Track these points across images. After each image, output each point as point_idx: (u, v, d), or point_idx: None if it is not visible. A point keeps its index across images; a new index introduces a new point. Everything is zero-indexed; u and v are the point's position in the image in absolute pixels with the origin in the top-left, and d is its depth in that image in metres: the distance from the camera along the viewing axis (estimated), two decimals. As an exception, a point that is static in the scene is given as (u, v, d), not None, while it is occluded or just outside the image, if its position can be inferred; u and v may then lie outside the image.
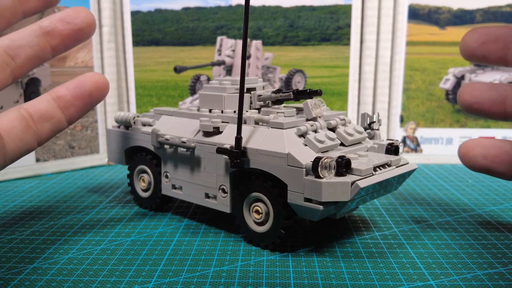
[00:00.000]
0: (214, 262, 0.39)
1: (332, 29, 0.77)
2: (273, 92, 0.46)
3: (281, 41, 0.78)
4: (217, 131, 0.45)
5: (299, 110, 0.46)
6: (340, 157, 0.38)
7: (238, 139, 0.41)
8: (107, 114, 0.77)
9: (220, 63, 0.79)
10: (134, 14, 0.78)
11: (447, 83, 0.77)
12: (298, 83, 0.79)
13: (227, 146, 0.42)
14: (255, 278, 0.36)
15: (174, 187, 0.49)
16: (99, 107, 0.76)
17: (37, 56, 0.40)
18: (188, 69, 0.80)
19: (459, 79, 0.77)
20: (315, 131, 0.42)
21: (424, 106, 0.78)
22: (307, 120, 0.43)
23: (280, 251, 0.42)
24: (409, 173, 0.43)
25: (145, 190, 0.53)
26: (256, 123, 0.44)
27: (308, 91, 0.43)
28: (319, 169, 0.36)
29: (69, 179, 0.67)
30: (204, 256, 0.41)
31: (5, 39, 0.39)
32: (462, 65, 0.77)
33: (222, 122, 0.45)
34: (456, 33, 0.77)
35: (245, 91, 0.47)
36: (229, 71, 0.80)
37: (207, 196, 0.46)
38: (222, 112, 0.47)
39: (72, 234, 0.46)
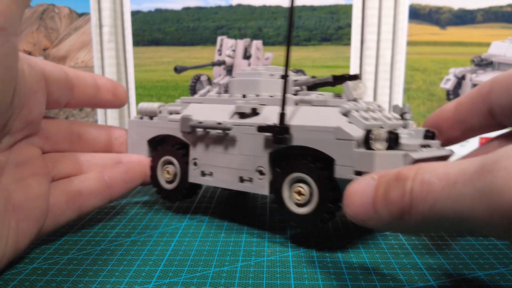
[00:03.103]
0: (215, 263, 0.39)
1: (332, 29, 0.77)
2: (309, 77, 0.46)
3: (281, 41, 0.78)
4: (254, 112, 0.44)
5: (336, 95, 0.46)
6: (389, 131, 0.37)
7: (282, 114, 0.40)
8: (108, 114, 0.77)
9: (221, 63, 0.79)
10: (135, 14, 0.77)
11: (448, 83, 0.77)
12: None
13: (270, 123, 0.41)
14: (255, 278, 0.36)
15: (203, 173, 0.48)
16: (99, 107, 0.76)
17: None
18: (188, 69, 0.80)
19: (460, 79, 0.77)
20: (357, 111, 0.42)
21: (425, 106, 0.78)
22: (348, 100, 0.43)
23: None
24: (446, 157, 0.43)
25: (170, 182, 0.52)
26: (296, 104, 0.43)
27: (346, 75, 0.43)
28: (371, 142, 0.36)
29: (69, 179, 0.67)
30: (204, 257, 0.40)
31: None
32: (463, 65, 0.77)
33: (260, 104, 0.45)
34: (457, 33, 0.77)
35: (279, 77, 0.47)
36: (229, 71, 0.80)
37: (241, 180, 0.45)
38: (257, 96, 0.47)
39: (72, 235, 0.46)
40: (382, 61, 0.76)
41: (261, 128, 0.42)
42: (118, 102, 0.51)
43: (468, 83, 0.76)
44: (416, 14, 0.76)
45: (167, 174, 0.52)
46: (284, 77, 0.40)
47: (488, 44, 0.76)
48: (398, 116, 0.46)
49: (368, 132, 0.36)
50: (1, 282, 0.36)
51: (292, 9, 0.39)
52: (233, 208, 0.55)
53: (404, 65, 0.76)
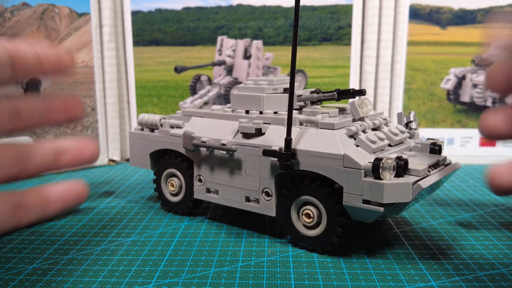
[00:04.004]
0: (215, 263, 0.39)
1: (333, 29, 0.77)
2: (312, 92, 0.45)
3: (281, 41, 0.78)
4: (259, 132, 0.43)
5: (341, 111, 0.45)
6: (398, 158, 0.37)
7: (288, 140, 0.39)
8: (108, 115, 0.77)
9: (221, 63, 0.79)
10: (135, 14, 0.77)
11: (448, 83, 0.77)
12: (299, 83, 0.79)
13: (276, 148, 0.41)
14: (255, 279, 0.36)
15: (208, 190, 0.48)
16: (99, 107, 0.76)
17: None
18: (188, 69, 0.80)
19: (460, 79, 0.77)
20: (364, 131, 0.41)
21: (425, 106, 0.77)
22: (354, 120, 0.42)
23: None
24: (454, 172, 0.43)
25: (174, 195, 0.52)
26: (301, 124, 0.42)
27: (351, 90, 0.42)
28: (380, 171, 0.35)
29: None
30: (204, 257, 0.40)
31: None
32: (464, 65, 0.77)
33: (264, 123, 0.44)
34: (458, 33, 0.77)
35: (282, 91, 0.46)
36: (229, 71, 0.80)
37: (247, 199, 0.45)
38: (260, 113, 0.46)
39: (72, 235, 0.46)
40: (382, 61, 0.76)
41: (266, 152, 0.41)
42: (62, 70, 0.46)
43: (468, 83, 0.76)
44: (416, 14, 0.76)
45: (171, 187, 0.52)
46: (290, 103, 0.39)
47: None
48: (403, 128, 0.45)
49: (377, 162, 0.36)
50: (1, 282, 0.36)
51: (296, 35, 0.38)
52: (233, 208, 0.55)
53: (405, 65, 0.76)
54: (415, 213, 0.52)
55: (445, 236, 0.45)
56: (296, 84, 0.48)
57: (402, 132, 0.44)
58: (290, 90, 0.39)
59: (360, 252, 0.41)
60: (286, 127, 0.40)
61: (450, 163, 0.43)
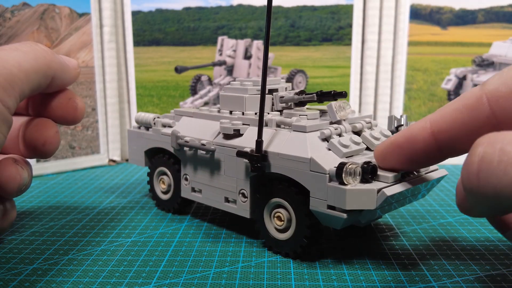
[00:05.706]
0: (215, 264, 0.39)
1: (333, 29, 0.77)
2: (296, 93, 0.44)
3: (282, 41, 0.78)
4: (237, 133, 0.43)
5: (323, 113, 0.44)
6: (365, 162, 0.36)
7: (259, 142, 0.39)
8: (108, 115, 0.77)
9: (221, 63, 0.79)
10: (135, 14, 0.77)
11: (449, 84, 0.77)
12: (300, 84, 0.79)
13: (248, 150, 0.41)
14: (256, 279, 0.36)
15: (193, 190, 0.48)
16: (99, 107, 0.76)
17: None
18: (189, 69, 0.80)
19: (461, 80, 0.77)
20: (340, 135, 0.40)
21: (426, 106, 0.77)
22: (331, 123, 0.41)
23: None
24: (439, 179, 0.41)
25: (165, 192, 0.53)
26: (278, 125, 0.42)
27: (332, 92, 0.42)
28: (343, 176, 0.34)
29: (70, 180, 0.67)
30: (204, 258, 0.40)
31: None
32: (464, 66, 0.77)
33: (243, 124, 0.44)
34: (458, 33, 0.77)
35: (266, 92, 0.46)
36: (230, 71, 0.80)
37: (226, 200, 0.45)
38: (243, 114, 0.46)
39: (72, 235, 0.46)
40: (383, 61, 0.76)
41: (240, 153, 0.41)
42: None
43: (469, 84, 0.76)
44: (417, 14, 0.76)
45: (162, 185, 0.52)
46: (261, 105, 0.39)
47: (489, 44, 0.76)
48: (387, 132, 0.43)
49: (340, 166, 0.35)
50: (1, 282, 0.36)
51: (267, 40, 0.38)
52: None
53: (405, 65, 0.76)
54: (416, 214, 0.52)
55: (445, 236, 0.45)
56: (287, 85, 0.48)
57: (386, 137, 0.43)
58: (261, 91, 0.39)
59: (360, 253, 0.41)
60: (257, 129, 0.40)
61: (434, 170, 0.41)
